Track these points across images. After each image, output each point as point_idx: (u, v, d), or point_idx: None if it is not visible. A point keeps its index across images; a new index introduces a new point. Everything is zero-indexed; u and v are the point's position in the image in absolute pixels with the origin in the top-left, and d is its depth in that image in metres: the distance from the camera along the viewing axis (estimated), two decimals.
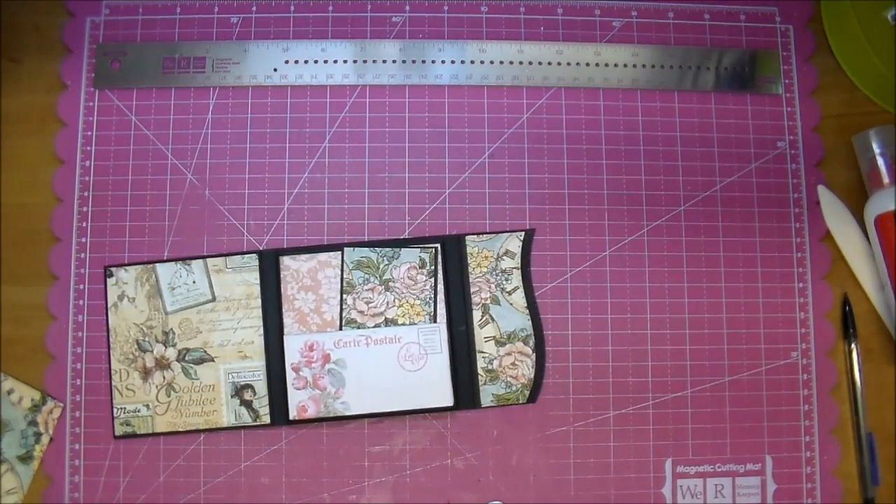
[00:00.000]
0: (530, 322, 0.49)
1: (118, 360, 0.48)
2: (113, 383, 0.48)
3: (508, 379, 0.48)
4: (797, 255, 0.51)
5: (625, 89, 0.51)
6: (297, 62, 0.50)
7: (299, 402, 0.47)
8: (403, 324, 0.48)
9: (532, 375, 0.48)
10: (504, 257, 0.49)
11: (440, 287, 0.49)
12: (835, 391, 0.50)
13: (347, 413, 0.47)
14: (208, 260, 0.48)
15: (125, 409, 0.48)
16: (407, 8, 0.52)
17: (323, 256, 0.48)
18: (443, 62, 0.51)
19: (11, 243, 0.49)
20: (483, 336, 0.49)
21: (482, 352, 0.48)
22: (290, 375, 0.47)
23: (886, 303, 0.50)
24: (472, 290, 0.49)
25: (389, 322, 0.48)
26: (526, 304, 0.49)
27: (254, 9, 0.51)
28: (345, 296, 0.48)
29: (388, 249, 0.49)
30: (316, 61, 0.50)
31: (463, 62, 0.51)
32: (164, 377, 0.48)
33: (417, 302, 0.48)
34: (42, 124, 0.50)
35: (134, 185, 0.49)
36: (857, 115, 0.52)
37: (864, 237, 0.50)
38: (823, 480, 0.49)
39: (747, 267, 0.50)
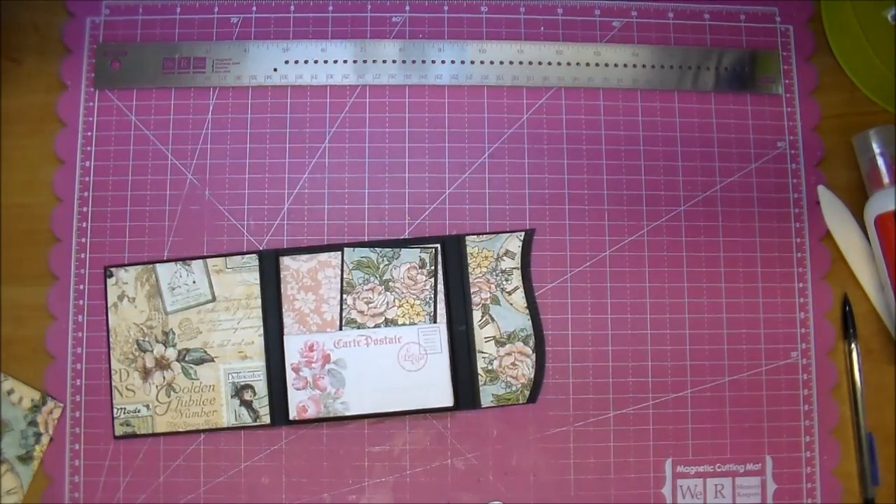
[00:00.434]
0: (530, 322, 0.49)
1: (118, 361, 0.48)
2: (113, 383, 0.48)
3: (508, 379, 0.48)
4: (797, 255, 0.51)
5: (625, 89, 0.51)
6: (297, 62, 0.50)
7: (299, 402, 0.47)
8: (403, 324, 0.48)
9: (532, 375, 0.48)
10: (504, 257, 0.49)
11: (440, 287, 0.49)
12: (835, 391, 0.50)
13: (347, 413, 0.47)
14: (208, 260, 0.48)
15: (125, 409, 0.48)
16: (407, 8, 0.52)
17: (323, 256, 0.48)
18: (443, 62, 0.51)
19: (11, 243, 0.49)
20: (483, 336, 0.49)
21: (482, 352, 0.48)
22: (290, 375, 0.47)
23: (886, 303, 0.50)
24: (472, 290, 0.49)
25: (389, 322, 0.48)
26: (526, 305, 0.49)
27: (254, 9, 0.51)
28: (345, 296, 0.48)
29: (388, 249, 0.49)
30: (316, 61, 0.50)
31: (463, 62, 0.51)
32: (164, 377, 0.48)
33: (417, 302, 0.48)
34: (42, 124, 0.50)
35: (134, 186, 0.49)
36: (857, 115, 0.52)
37: (864, 237, 0.50)
38: (823, 480, 0.49)
39: (747, 267, 0.50)
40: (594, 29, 0.52)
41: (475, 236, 0.49)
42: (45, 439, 0.47)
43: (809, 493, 0.49)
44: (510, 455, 0.48)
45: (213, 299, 0.48)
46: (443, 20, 0.51)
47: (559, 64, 0.51)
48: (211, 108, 0.50)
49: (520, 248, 0.49)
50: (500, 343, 0.49)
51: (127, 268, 0.48)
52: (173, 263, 0.48)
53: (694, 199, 0.51)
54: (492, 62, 0.51)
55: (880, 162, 0.49)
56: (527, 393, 0.48)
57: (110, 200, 0.49)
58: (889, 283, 0.49)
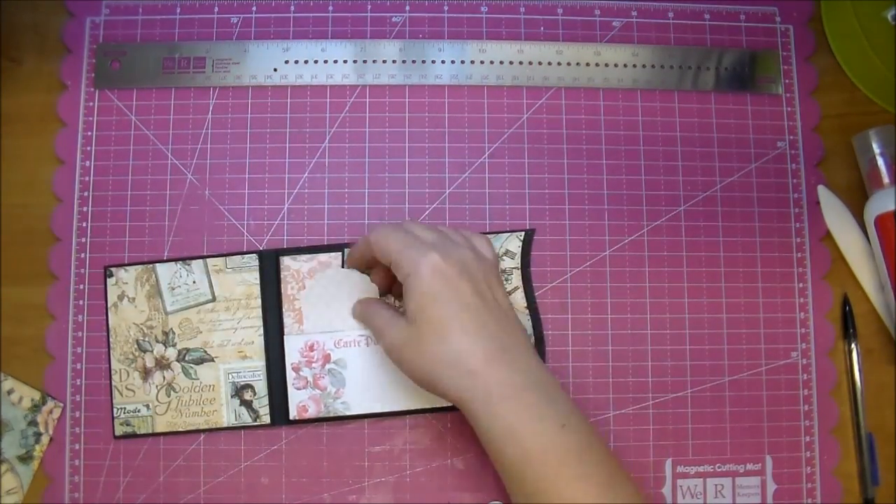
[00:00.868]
0: (530, 322, 0.49)
1: (118, 360, 0.48)
2: (113, 383, 0.48)
3: None
4: (797, 255, 0.51)
5: (625, 89, 0.51)
6: (297, 62, 0.50)
7: (299, 401, 0.47)
8: None
9: None
10: (504, 257, 0.49)
11: None
12: (835, 391, 0.50)
13: (347, 413, 0.47)
14: (208, 260, 0.48)
15: (125, 409, 0.48)
16: (407, 8, 0.52)
17: (323, 257, 0.48)
18: (443, 62, 0.51)
19: (11, 243, 0.49)
20: None
21: None
22: (290, 375, 0.47)
23: (886, 303, 0.50)
24: None
25: None
26: (526, 304, 0.49)
27: (254, 9, 0.51)
28: None
29: None
30: (316, 61, 0.50)
31: (463, 62, 0.51)
32: (164, 377, 0.48)
33: None
34: (42, 124, 0.50)
35: (134, 185, 0.49)
36: (857, 115, 0.52)
37: (864, 237, 0.50)
38: (823, 480, 0.49)
39: (747, 267, 0.50)
40: (594, 29, 0.52)
41: None
42: (45, 439, 0.47)
43: (809, 493, 0.49)
44: None
45: (213, 299, 0.48)
46: (443, 20, 0.51)
47: (559, 64, 0.51)
48: (211, 108, 0.50)
49: (520, 248, 0.49)
50: None
51: (127, 268, 0.48)
52: (173, 263, 0.48)
53: (694, 199, 0.51)
54: (492, 62, 0.51)
55: (880, 162, 0.49)
56: None
57: (110, 200, 0.49)
58: (889, 283, 0.49)
